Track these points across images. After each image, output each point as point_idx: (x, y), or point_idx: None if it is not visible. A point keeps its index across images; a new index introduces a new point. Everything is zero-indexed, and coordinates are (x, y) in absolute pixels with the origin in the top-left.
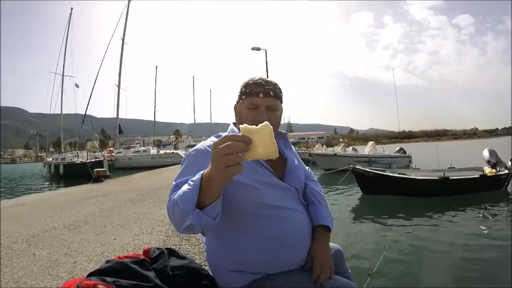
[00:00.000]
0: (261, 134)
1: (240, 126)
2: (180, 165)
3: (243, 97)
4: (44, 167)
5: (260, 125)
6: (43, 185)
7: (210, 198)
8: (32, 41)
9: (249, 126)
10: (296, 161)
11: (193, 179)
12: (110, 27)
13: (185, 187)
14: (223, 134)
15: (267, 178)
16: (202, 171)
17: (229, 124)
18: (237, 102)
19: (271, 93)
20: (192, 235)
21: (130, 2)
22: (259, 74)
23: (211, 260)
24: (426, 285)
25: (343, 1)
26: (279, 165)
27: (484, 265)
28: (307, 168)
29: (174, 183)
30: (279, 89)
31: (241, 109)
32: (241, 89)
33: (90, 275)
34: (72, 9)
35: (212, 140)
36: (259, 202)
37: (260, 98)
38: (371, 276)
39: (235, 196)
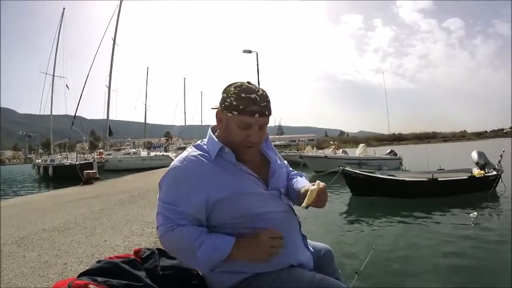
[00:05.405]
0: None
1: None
2: (161, 183)
3: (235, 113)
4: (33, 168)
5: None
6: (32, 186)
7: (228, 258)
8: (22, 41)
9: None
10: (279, 161)
11: (220, 245)
12: (101, 28)
13: (210, 248)
14: (203, 143)
15: (253, 188)
16: (233, 240)
17: None
18: (223, 110)
19: (266, 112)
20: None
21: (122, 2)
22: (249, 76)
23: None
24: (412, 284)
25: (332, 3)
26: (263, 168)
27: (471, 265)
28: (285, 162)
29: (166, 206)
30: (269, 101)
31: (230, 124)
32: (232, 101)
33: (81, 275)
34: (64, 9)
35: (192, 152)
36: (246, 213)
37: (255, 118)
38: (358, 275)
39: (227, 208)
